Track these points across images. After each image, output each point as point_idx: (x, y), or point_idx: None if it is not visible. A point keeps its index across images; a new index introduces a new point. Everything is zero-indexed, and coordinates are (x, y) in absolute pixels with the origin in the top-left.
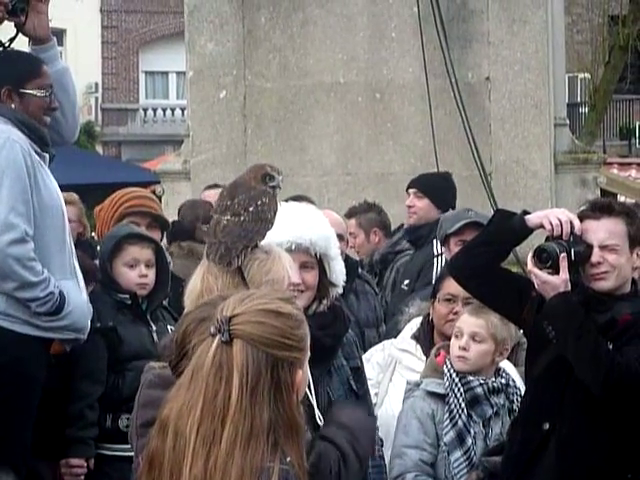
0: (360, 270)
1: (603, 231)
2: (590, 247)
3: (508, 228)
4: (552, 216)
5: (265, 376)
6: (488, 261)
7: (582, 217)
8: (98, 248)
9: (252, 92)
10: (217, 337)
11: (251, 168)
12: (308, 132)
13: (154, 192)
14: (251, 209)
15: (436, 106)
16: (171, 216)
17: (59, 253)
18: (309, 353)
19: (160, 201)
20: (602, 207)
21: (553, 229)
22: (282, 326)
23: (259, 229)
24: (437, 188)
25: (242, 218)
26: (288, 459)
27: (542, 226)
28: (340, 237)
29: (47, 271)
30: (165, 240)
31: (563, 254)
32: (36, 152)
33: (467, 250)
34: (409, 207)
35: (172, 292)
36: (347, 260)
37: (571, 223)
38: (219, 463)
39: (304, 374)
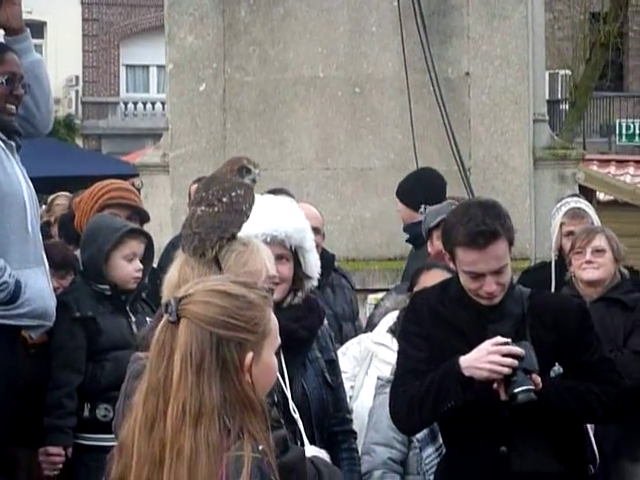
0: (336, 264)
1: (494, 259)
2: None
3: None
4: (488, 364)
5: (210, 355)
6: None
7: (467, 246)
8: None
9: (232, 85)
10: (165, 317)
11: (228, 161)
12: (287, 126)
13: (133, 185)
14: (225, 200)
15: (416, 101)
16: (150, 209)
17: (19, 242)
18: (276, 341)
19: (139, 194)
20: (488, 236)
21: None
22: (228, 306)
23: (233, 220)
24: (405, 189)
25: (216, 209)
26: (260, 447)
27: (488, 378)
28: (316, 230)
29: (3, 260)
30: None
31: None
32: (1, 139)
33: (410, 405)
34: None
35: (151, 283)
36: (323, 254)
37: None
38: (166, 439)
39: (265, 360)
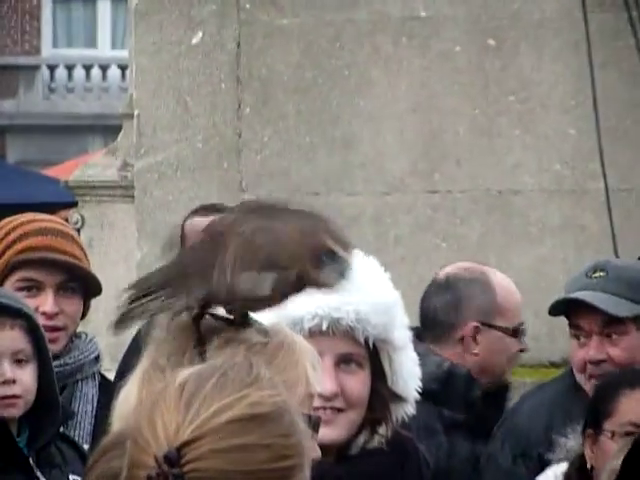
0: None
1: None
2: None
3: None
4: None
5: None
6: None
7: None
8: None
9: (253, 35)
10: None
11: (294, 227)
12: (358, 112)
13: (67, 220)
14: None
15: (603, 64)
16: (99, 268)
17: None
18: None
19: (79, 238)
20: None
21: None
22: (270, 441)
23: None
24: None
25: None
26: None
27: None
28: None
29: None
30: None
31: None
32: None
33: None
34: None
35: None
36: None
37: None
38: None
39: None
